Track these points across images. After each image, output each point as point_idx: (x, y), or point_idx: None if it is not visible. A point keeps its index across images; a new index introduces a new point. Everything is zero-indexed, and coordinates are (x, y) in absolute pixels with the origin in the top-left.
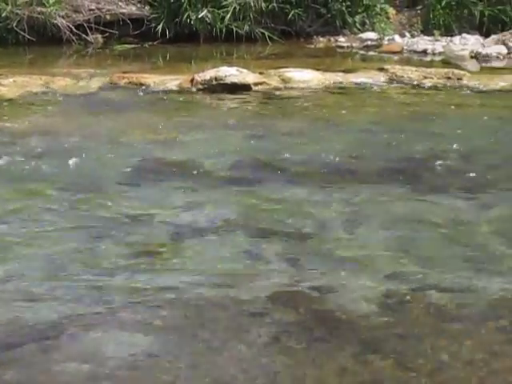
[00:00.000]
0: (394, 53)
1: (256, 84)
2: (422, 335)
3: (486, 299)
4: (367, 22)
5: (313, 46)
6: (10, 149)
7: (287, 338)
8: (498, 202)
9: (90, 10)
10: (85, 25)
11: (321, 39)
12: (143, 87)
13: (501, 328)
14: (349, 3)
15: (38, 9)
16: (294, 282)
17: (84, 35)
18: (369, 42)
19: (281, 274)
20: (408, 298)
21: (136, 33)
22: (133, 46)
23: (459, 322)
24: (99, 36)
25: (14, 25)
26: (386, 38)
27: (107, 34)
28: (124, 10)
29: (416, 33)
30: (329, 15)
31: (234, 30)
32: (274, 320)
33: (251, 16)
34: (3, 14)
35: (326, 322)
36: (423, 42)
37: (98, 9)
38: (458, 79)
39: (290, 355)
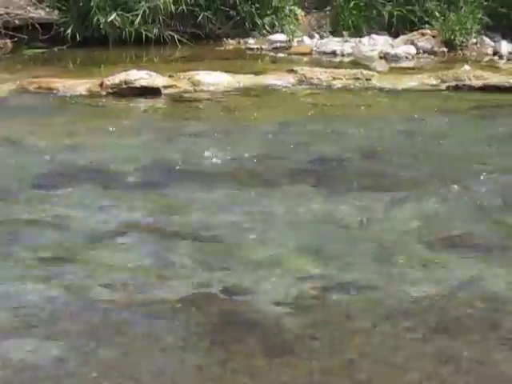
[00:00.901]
0: (304, 54)
1: (166, 87)
2: (331, 335)
3: (395, 298)
4: (276, 23)
5: (223, 49)
6: None
7: (198, 340)
8: (407, 201)
9: None
10: None
11: (230, 41)
12: (53, 92)
13: (409, 326)
14: (258, 5)
15: None
16: (205, 285)
17: None
18: (278, 44)
19: (191, 276)
20: (319, 298)
21: (45, 37)
22: (42, 50)
23: (370, 321)
24: (8, 41)
25: None
26: (296, 39)
27: (16, 39)
28: (33, 15)
29: (325, 34)
30: (238, 17)
31: (144, 33)
32: (184, 322)
33: (161, 19)
34: None
35: (238, 323)
36: (332, 43)
37: (7, 13)
38: (367, 80)
39: (201, 358)
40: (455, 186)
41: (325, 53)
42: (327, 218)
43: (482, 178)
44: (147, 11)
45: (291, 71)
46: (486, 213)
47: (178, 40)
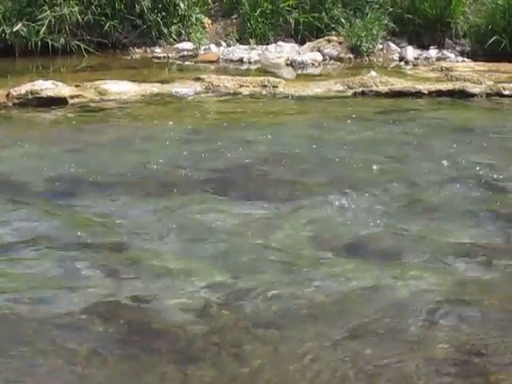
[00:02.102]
0: (211, 62)
1: (72, 97)
2: (239, 342)
3: (301, 304)
4: (183, 32)
5: (129, 58)
6: None
7: (106, 350)
8: (311, 207)
9: None
10: None
11: (137, 50)
12: None
13: (318, 334)
14: (164, 14)
15: None
16: (112, 295)
17: None
18: (185, 52)
19: (98, 286)
20: (225, 305)
21: None
22: None
23: (275, 329)
24: None
25: None
26: (202, 47)
27: None
28: None
29: (232, 42)
30: (144, 26)
31: (50, 43)
32: (92, 333)
33: (67, 29)
34: None
35: (145, 333)
36: (239, 51)
37: None
38: (274, 87)
39: (109, 368)
40: (357, 192)
41: (232, 60)
42: (233, 226)
43: (382, 183)
44: (53, 21)
45: (198, 79)
46: (385, 218)
47: (85, 49)
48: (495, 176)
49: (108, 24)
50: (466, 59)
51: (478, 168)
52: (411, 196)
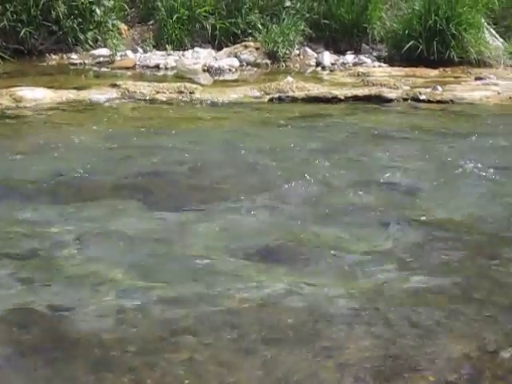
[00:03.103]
0: (127, 68)
1: None
2: (156, 350)
3: (218, 311)
4: (99, 38)
5: (45, 64)
6: None
7: (19, 359)
8: (226, 213)
9: None
10: None
11: (53, 57)
12: None
13: (233, 340)
14: (80, 20)
15: None
16: (26, 302)
17: None
18: (101, 59)
19: (11, 294)
20: (140, 313)
21: None
22: None
23: (193, 335)
24: None
25: None
26: (119, 53)
27: None
28: None
29: (149, 48)
30: (61, 32)
31: None
32: (4, 341)
33: None
34: None
35: (60, 341)
36: (156, 57)
37: None
38: (191, 93)
39: (22, 377)
40: (273, 198)
41: (148, 66)
42: (148, 233)
43: (298, 189)
44: None
45: (114, 86)
46: (300, 224)
47: (0, 56)
48: (407, 180)
49: (24, 30)
50: (382, 64)
51: (391, 173)
52: (325, 201)
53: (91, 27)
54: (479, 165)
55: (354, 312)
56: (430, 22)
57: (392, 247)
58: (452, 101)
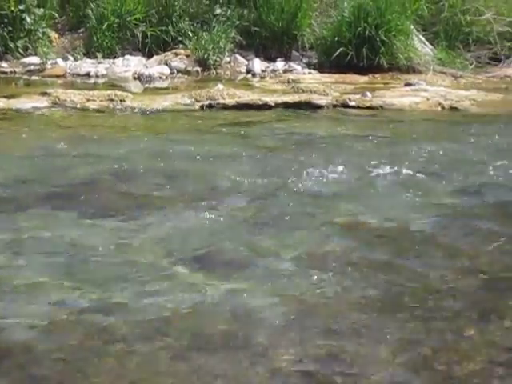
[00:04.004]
0: (58, 76)
1: None
2: (86, 358)
3: (149, 319)
4: (30, 46)
5: None
6: None
7: None
8: (160, 221)
9: None
10: None
11: None
12: None
13: (165, 347)
14: (10, 28)
15: None
16: None
17: None
18: (32, 67)
19: None
20: (72, 322)
21: None
22: None
23: (124, 343)
24: None
25: None
26: (49, 61)
27: None
28: None
29: (79, 56)
30: None
31: None
32: None
33: None
34: None
35: None
36: (86, 65)
37: None
38: (121, 101)
39: None
40: (205, 205)
41: (79, 75)
42: (82, 241)
43: (229, 196)
44: None
45: (45, 94)
46: (232, 231)
47: None
48: (335, 186)
49: None
50: (312, 71)
51: (319, 179)
52: (256, 208)
53: (21, 35)
54: (406, 170)
55: (284, 318)
56: (360, 28)
57: (322, 253)
58: (381, 107)
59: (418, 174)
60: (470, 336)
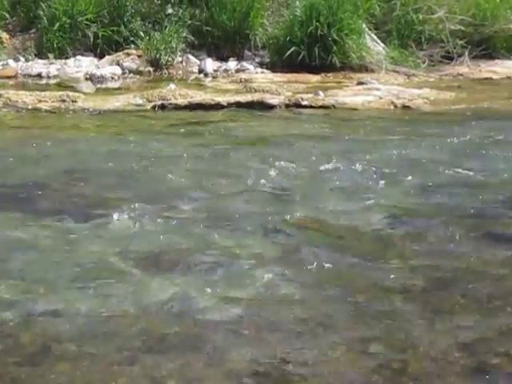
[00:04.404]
0: (9, 77)
1: None
2: (38, 361)
3: (101, 320)
4: None
5: None
6: None
7: None
8: (115, 222)
9: None
10: None
11: None
12: None
13: (117, 349)
14: None
15: None
16: None
17: None
18: None
19: None
20: (22, 324)
21: None
22: None
23: (75, 345)
24: None
25: None
26: (0, 62)
27: None
28: None
29: (31, 57)
30: None
31: None
32: None
33: None
34: None
35: None
36: (38, 66)
37: None
38: (73, 101)
39: None
40: (158, 206)
41: (30, 75)
42: (31, 242)
43: (182, 196)
44: None
45: None
46: (185, 231)
47: None
48: (287, 185)
49: None
50: (265, 70)
51: (272, 178)
52: (209, 209)
53: None
54: (357, 169)
55: (237, 318)
56: (312, 28)
57: (275, 252)
58: (334, 106)
59: (369, 173)
60: (420, 335)
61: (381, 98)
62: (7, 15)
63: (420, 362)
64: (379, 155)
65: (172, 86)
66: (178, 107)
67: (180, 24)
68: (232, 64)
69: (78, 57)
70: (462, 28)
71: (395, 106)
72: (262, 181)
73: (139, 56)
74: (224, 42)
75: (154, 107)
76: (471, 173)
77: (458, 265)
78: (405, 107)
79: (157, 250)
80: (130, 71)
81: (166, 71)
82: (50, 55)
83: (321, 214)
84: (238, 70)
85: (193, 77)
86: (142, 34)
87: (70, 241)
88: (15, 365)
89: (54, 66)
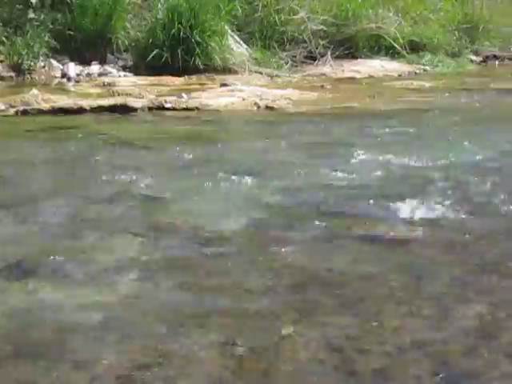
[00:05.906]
0: None
1: None
2: None
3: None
4: None
5: None
6: None
7: None
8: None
9: None
10: None
11: None
12: None
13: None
14: None
15: None
16: None
17: None
18: None
19: None
20: None
21: None
22: None
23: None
24: None
25: None
26: None
27: None
28: None
29: None
30: None
31: None
32: None
33: None
34: None
35: None
36: None
37: None
38: None
39: None
40: (25, 211)
41: None
42: None
43: (47, 201)
44: None
45: None
46: (54, 236)
47: None
48: (155, 188)
49: None
50: (128, 74)
51: (137, 181)
52: (79, 214)
53: None
54: (220, 172)
55: (104, 324)
56: (174, 30)
57: (144, 256)
58: (198, 108)
59: (232, 176)
60: (288, 335)
61: (244, 99)
62: None
63: (287, 363)
64: (240, 156)
65: (35, 91)
66: (41, 112)
67: (42, 28)
68: (95, 68)
69: None
70: (325, 28)
71: (258, 107)
72: (125, 184)
73: (1, 61)
74: (87, 46)
75: (16, 112)
76: (329, 172)
77: (323, 265)
78: (268, 108)
79: (21, 257)
80: None
81: (29, 76)
82: None
83: (182, 217)
84: (100, 74)
85: (56, 81)
86: (4, 39)
87: None
88: None
89: None
